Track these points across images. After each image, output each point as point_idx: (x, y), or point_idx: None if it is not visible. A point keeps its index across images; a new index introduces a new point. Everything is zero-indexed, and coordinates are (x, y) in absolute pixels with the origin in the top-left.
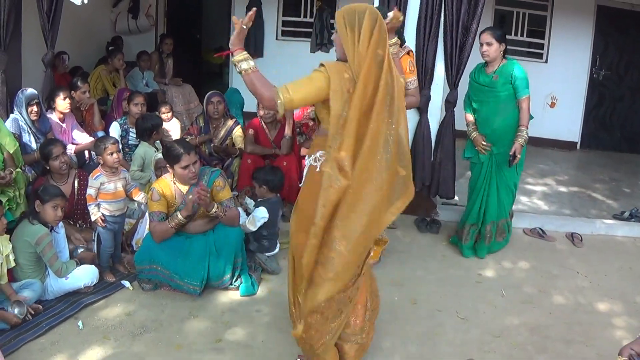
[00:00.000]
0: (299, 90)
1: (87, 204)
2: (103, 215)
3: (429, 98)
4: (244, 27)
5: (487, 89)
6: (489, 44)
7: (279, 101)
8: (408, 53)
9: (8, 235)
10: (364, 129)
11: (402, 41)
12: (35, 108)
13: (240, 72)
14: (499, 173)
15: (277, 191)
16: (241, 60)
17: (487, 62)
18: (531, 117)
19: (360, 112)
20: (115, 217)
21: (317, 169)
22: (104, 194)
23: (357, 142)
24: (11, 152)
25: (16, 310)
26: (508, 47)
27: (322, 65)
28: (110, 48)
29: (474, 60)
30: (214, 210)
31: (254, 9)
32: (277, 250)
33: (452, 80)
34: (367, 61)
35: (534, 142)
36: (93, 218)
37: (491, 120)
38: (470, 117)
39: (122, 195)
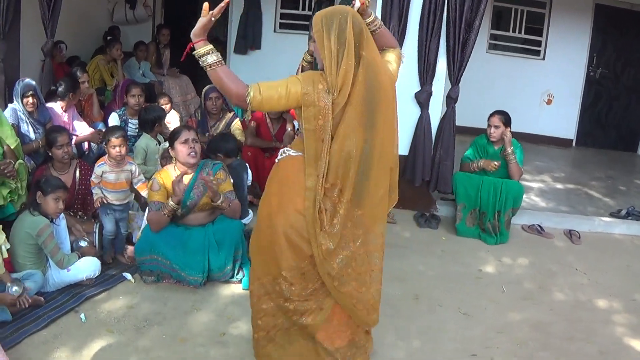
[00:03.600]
0: (270, 92)
1: (91, 187)
2: (105, 197)
3: (430, 93)
4: (213, 18)
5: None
6: (496, 127)
7: (248, 99)
8: None
9: (0, 225)
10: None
11: None
12: (30, 99)
13: (204, 67)
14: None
15: (234, 155)
16: (205, 53)
17: (493, 141)
18: None
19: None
20: (115, 205)
21: (276, 160)
22: (105, 182)
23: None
24: (12, 147)
25: (14, 289)
26: (505, 43)
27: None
28: (108, 38)
29: (476, 57)
30: (220, 201)
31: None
32: (250, 216)
33: (454, 76)
34: (353, 75)
35: (530, 138)
36: (95, 198)
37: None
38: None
39: (123, 186)
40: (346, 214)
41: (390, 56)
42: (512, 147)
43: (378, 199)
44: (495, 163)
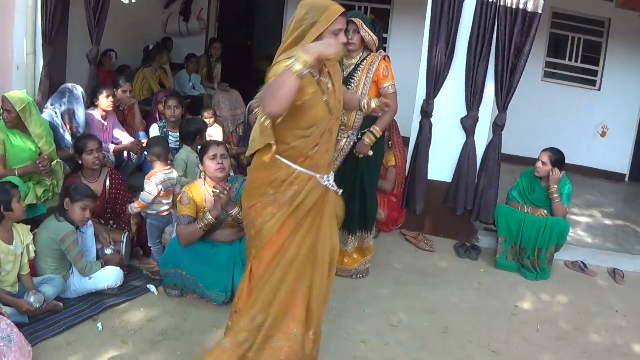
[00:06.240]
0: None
1: None
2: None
3: (476, 119)
4: None
5: (541, 200)
6: (544, 164)
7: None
8: (384, 58)
9: (29, 226)
10: None
11: (379, 46)
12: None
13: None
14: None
15: None
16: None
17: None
18: None
19: None
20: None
21: None
22: None
23: None
24: (45, 154)
25: (32, 299)
26: (561, 72)
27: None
28: (150, 48)
29: (530, 84)
30: (234, 211)
31: None
32: None
33: (502, 102)
34: None
35: (581, 171)
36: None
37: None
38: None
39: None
40: None
41: None
42: (556, 187)
43: None
44: (544, 212)
